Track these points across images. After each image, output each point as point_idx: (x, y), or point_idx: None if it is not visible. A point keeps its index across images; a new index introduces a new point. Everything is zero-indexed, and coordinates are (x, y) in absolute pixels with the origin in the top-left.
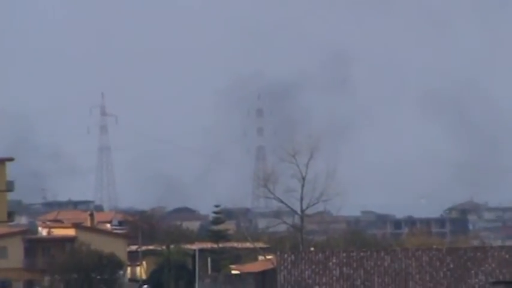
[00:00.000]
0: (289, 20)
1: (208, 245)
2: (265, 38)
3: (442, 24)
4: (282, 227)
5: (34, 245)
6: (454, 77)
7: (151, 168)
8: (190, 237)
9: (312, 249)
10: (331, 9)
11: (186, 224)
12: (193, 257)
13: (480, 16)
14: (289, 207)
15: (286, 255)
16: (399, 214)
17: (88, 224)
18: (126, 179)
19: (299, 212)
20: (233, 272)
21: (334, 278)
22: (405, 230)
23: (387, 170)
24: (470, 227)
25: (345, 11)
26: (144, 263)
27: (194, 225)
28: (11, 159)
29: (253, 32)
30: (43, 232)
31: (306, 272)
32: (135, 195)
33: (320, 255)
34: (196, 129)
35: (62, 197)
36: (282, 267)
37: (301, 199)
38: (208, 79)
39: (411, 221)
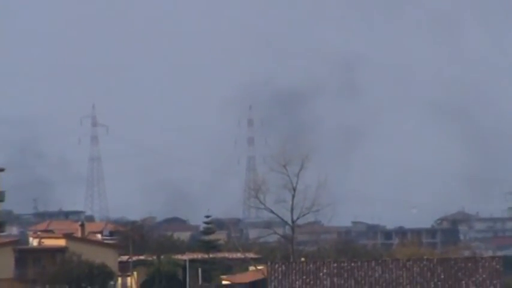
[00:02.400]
0: (299, 26)
1: (199, 256)
2: (274, 44)
3: (453, 31)
4: (273, 238)
5: (25, 256)
6: (461, 85)
7: (142, 179)
8: (181, 248)
9: (303, 259)
10: (341, 16)
11: (176, 235)
12: (184, 267)
13: (490, 23)
14: (280, 217)
15: (277, 266)
16: (390, 225)
17: (79, 234)
18: (117, 190)
19: (290, 222)
20: (224, 282)
21: None
22: (396, 240)
23: (380, 180)
24: (461, 237)
25: (355, 17)
26: (134, 273)
27: (185, 235)
28: (1, 170)
29: (262, 38)
30: (34, 242)
31: (297, 283)
32: (126, 205)
33: (311, 265)
34: (191, 139)
35: (53, 207)
36: (273, 278)
37: (292, 209)
38: (214, 87)
39: (402, 232)
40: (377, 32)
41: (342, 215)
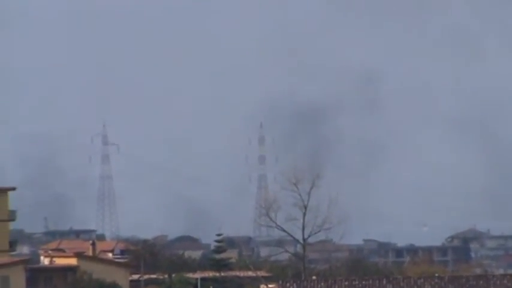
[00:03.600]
0: (319, 41)
1: (210, 274)
2: (293, 60)
3: (473, 46)
4: (284, 256)
5: (36, 274)
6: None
7: (153, 197)
8: (193, 266)
9: (314, 277)
10: (361, 31)
11: (188, 253)
12: (196, 286)
13: (511, 37)
14: (291, 235)
15: (288, 284)
16: (401, 242)
17: (90, 253)
18: (128, 208)
19: (301, 240)
20: None
21: None
22: (407, 258)
23: (392, 197)
24: (473, 255)
25: (375, 33)
26: None
27: (196, 254)
28: (13, 189)
29: (281, 53)
30: (45, 261)
31: None
32: (137, 224)
33: (322, 283)
34: (202, 156)
35: (64, 226)
36: None
37: (303, 227)
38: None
39: (413, 250)
40: (397, 47)
41: (353, 233)
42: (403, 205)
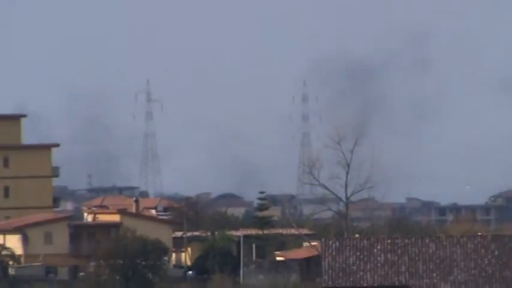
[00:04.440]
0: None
1: (253, 232)
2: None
3: None
4: (327, 214)
5: (79, 231)
6: None
7: (196, 155)
8: (235, 224)
9: (357, 235)
10: None
11: (230, 211)
12: (238, 243)
13: None
14: (334, 193)
15: (331, 242)
16: (444, 201)
17: (133, 210)
18: (172, 165)
19: (344, 198)
20: (278, 258)
21: (379, 264)
22: (450, 217)
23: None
24: None
25: None
26: (189, 249)
27: (239, 211)
28: (56, 145)
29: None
30: (88, 218)
31: (351, 259)
32: (180, 181)
33: (365, 241)
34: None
35: (107, 183)
36: (327, 254)
37: (346, 186)
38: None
39: (456, 208)
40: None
41: (396, 192)
42: (448, 164)
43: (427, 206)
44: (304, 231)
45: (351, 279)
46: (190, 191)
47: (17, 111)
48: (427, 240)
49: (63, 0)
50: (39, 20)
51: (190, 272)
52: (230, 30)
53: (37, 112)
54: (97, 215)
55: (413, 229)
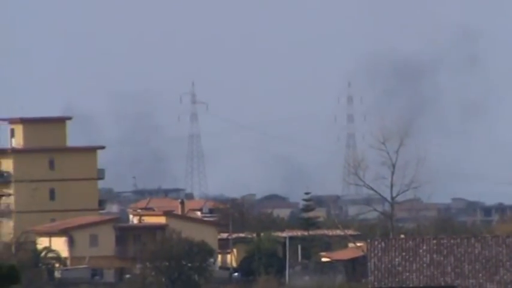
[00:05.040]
0: None
1: (298, 233)
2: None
3: None
4: (372, 214)
5: (125, 233)
6: None
7: (241, 156)
8: (281, 225)
9: (402, 236)
10: None
11: (276, 212)
12: (284, 244)
13: None
14: (379, 194)
15: (376, 243)
16: (489, 201)
17: (179, 211)
18: (217, 167)
19: (389, 199)
20: (323, 259)
21: (425, 264)
22: (495, 217)
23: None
24: None
25: None
26: (234, 250)
27: (284, 212)
28: (102, 147)
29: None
30: (134, 220)
31: (397, 259)
32: (225, 182)
33: (410, 242)
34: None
35: (153, 185)
36: (373, 255)
37: (391, 186)
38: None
39: (501, 208)
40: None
41: (441, 192)
42: (493, 164)
43: (473, 206)
44: (350, 232)
45: (397, 279)
46: (236, 193)
47: (64, 114)
48: (472, 241)
49: (110, 2)
50: (86, 21)
51: (236, 274)
52: (275, 31)
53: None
54: (143, 217)
55: (458, 229)
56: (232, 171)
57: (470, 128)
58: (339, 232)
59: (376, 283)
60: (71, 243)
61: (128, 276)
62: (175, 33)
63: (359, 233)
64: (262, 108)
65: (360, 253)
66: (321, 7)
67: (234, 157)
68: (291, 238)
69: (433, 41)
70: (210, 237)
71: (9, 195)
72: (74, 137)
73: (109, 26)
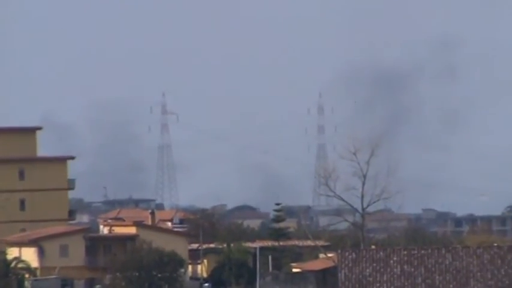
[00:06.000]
0: (394, 5)
1: (269, 243)
2: (368, 24)
3: None
4: (343, 225)
5: (95, 243)
6: None
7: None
8: (251, 236)
9: (373, 247)
10: None
11: (247, 222)
12: (254, 255)
13: None
14: (350, 205)
15: (347, 253)
16: (460, 212)
17: (149, 222)
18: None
19: (360, 209)
20: (294, 270)
21: (395, 275)
22: (466, 228)
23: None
24: None
25: None
26: (205, 261)
27: (255, 223)
28: (71, 158)
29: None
30: (104, 230)
31: (367, 270)
32: (195, 193)
33: (381, 253)
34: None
35: (123, 195)
36: (343, 265)
37: (362, 197)
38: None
39: (472, 219)
40: (477, 11)
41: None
42: (463, 175)
43: (443, 217)
44: (321, 242)
45: None
46: (206, 203)
47: (41, 124)
48: (443, 251)
49: (82, 13)
50: (60, 31)
51: (206, 284)
52: (249, 40)
53: (59, 123)
54: (113, 228)
55: (429, 240)
56: (204, 182)
57: (445, 139)
58: (309, 243)
59: None
60: (41, 254)
61: (98, 286)
62: (147, 43)
63: (330, 243)
64: (234, 119)
65: (330, 264)
66: (299, 17)
67: (205, 168)
68: (261, 248)
69: (412, 51)
70: (181, 247)
71: None
72: (48, 147)
73: (81, 36)
